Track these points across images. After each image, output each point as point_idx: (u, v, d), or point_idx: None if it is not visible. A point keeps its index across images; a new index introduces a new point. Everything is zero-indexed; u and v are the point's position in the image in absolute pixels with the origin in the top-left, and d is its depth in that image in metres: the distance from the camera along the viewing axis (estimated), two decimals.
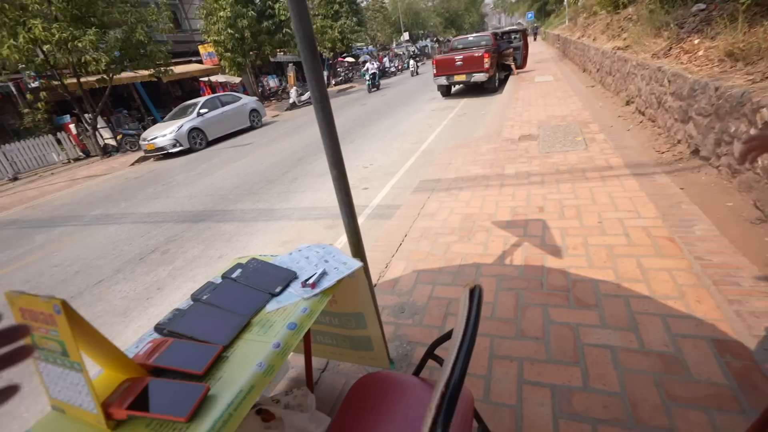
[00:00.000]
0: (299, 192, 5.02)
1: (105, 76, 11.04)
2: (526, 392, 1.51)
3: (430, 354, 1.10)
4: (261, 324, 0.98)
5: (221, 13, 15.55)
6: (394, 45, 37.42)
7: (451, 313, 2.05)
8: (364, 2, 32.62)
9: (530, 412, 1.43)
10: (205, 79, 17.61)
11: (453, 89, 11.14)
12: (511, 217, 2.97)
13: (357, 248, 1.45)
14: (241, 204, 5.00)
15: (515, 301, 2.02)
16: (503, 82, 10.96)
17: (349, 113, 11.49)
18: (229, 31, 15.79)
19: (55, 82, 10.65)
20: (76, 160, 11.93)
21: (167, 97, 17.30)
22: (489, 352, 1.73)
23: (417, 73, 21.64)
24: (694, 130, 3.36)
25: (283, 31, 17.59)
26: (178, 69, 14.65)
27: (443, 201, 3.51)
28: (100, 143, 11.80)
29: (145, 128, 12.50)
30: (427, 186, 3.97)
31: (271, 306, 1.04)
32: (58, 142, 11.72)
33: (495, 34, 11.28)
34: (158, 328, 1.01)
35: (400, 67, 26.18)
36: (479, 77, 9.51)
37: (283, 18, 17.16)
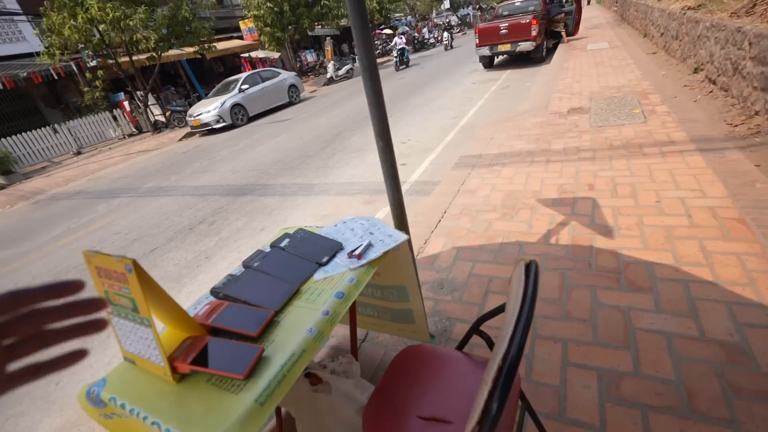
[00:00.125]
0: (337, 167, 5.05)
1: (154, 54, 11.54)
2: (571, 374, 1.47)
3: (475, 329, 1.09)
4: (310, 292, 1.00)
5: None
6: (434, 14, 35.78)
7: (492, 290, 2.02)
8: None
9: (574, 394, 1.39)
10: (246, 55, 17.86)
11: (496, 60, 10.56)
12: (558, 194, 2.82)
13: (400, 221, 1.43)
14: (282, 178, 5.12)
15: (560, 282, 1.94)
16: (551, 51, 10.21)
17: (386, 87, 11.15)
18: (269, 4, 15.77)
19: (110, 61, 11.27)
20: (130, 135, 12.70)
21: (210, 74, 17.77)
22: (532, 332, 1.69)
23: (451, 47, 18.50)
24: None
25: (321, 3, 17.34)
26: (221, 45, 14.95)
27: (485, 177, 3.40)
28: (151, 119, 12.45)
29: (191, 105, 12.98)
30: (468, 162, 3.85)
31: (319, 275, 1.06)
32: (114, 118, 12.48)
33: None
34: (214, 292, 1.07)
35: (439, 38, 25.05)
36: (525, 46, 8.92)
37: None
